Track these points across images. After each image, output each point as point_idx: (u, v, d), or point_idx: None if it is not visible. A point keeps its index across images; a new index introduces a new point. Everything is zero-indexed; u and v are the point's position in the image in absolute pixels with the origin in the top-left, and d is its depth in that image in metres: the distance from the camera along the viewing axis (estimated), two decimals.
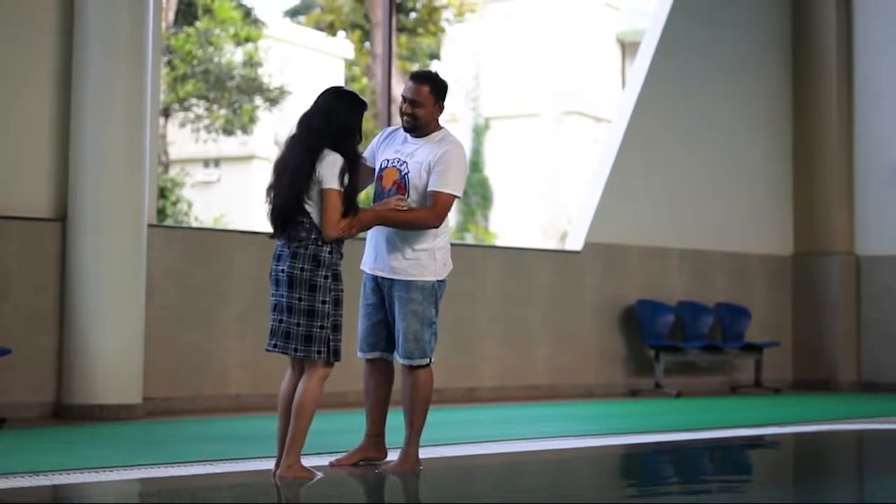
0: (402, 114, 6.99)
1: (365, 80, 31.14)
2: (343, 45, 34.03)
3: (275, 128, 34.47)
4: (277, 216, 6.55)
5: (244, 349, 11.91)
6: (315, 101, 6.76)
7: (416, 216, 6.87)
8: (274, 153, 35.91)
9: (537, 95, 37.13)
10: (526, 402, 13.18)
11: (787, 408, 13.17)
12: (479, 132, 36.58)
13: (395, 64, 29.38)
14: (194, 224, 25.88)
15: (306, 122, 6.70)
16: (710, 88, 16.26)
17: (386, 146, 7.13)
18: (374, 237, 7.09)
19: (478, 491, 6.93)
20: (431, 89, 6.97)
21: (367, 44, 31.25)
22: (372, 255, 7.09)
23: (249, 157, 35.31)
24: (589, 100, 37.04)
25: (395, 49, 26.36)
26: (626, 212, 15.30)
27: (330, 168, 6.45)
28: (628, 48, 35.93)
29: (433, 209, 6.88)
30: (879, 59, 16.54)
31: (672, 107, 15.80)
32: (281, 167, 6.62)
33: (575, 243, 15.03)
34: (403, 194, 6.91)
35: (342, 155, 6.52)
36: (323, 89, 6.83)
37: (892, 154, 16.31)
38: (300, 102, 32.49)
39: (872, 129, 16.47)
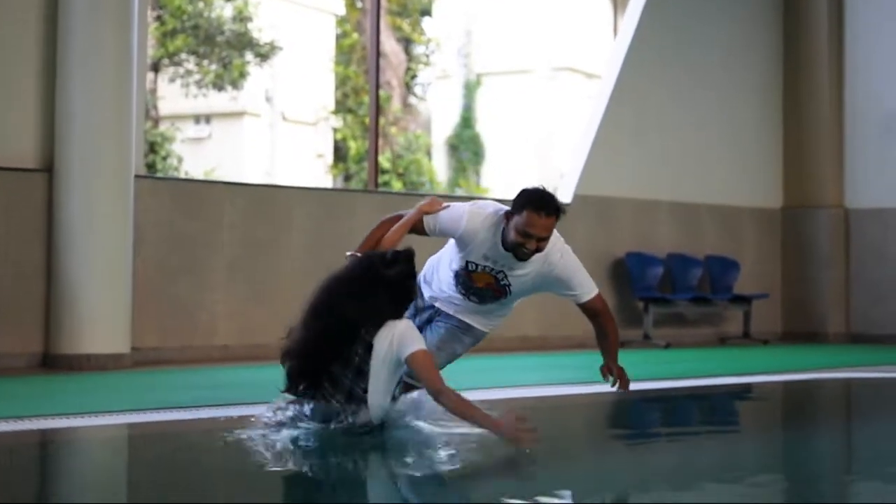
0: (520, 246, 6.06)
1: (355, 36, 31.02)
2: (334, 1, 33.89)
3: (265, 83, 34.36)
4: None
5: (232, 300, 11.91)
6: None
7: (615, 331, 6.53)
8: (265, 109, 35.85)
9: (529, 51, 37.02)
10: (516, 352, 13.20)
11: (776, 358, 13.19)
12: (470, 88, 36.48)
13: (385, 19, 29.26)
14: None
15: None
16: (700, 41, 16.21)
17: (478, 246, 6.24)
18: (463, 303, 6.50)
19: None
20: (557, 220, 6.12)
21: None
22: (451, 307, 6.55)
23: (240, 113, 35.19)
24: (581, 56, 36.94)
25: (385, 4, 26.24)
26: (616, 165, 15.28)
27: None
28: (620, 3, 35.81)
29: (607, 314, 6.51)
30: (870, 13, 16.48)
31: (662, 60, 15.75)
32: None
33: (564, 196, 15.01)
34: (501, 296, 6.34)
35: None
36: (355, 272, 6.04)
37: (883, 107, 16.29)
38: (290, 58, 32.44)
39: (863, 82, 16.44)
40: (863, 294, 16.27)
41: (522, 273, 6.22)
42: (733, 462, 6.05)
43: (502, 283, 6.27)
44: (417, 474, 5.26)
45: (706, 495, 5.05)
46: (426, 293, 6.62)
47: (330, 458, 5.48)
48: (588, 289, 6.38)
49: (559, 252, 6.26)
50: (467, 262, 6.28)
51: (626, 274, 14.91)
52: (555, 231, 6.18)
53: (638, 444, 6.24)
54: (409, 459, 5.53)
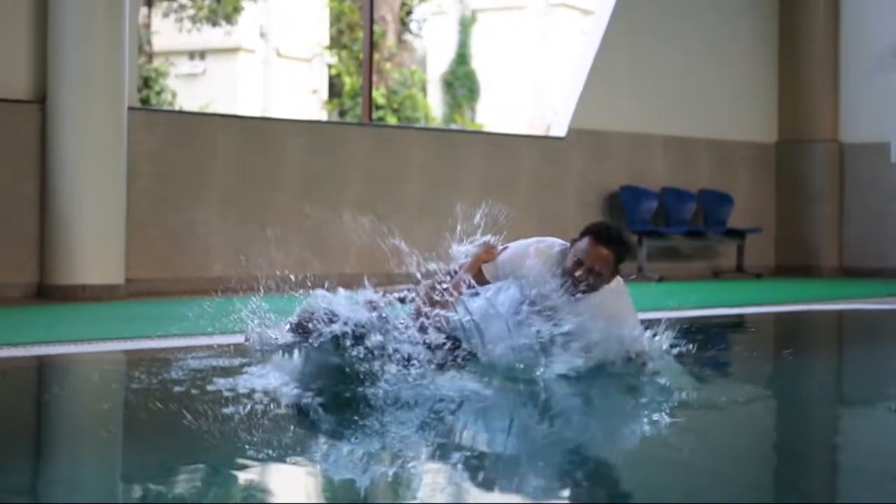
0: (572, 275, 5.81)
1: None
2: None
3: (260, 19, 34.21)
4: None
5: (226, 231, 11.93)
6: None
7: None
8: (259, 45, 35.63)
9: None
10: None
11: (769, 291, 13.23)
12: (465, 24, 36.32)
13: None
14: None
15: None
16: None
17: (535, 284, 5.89)
18: None
19: None
20: (616, 260, 5.86)
21: None
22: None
23: (235, 50, 35.09)
24: None
25: None
26: (611, 99, 15.26)
27: None
28: None
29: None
30: None
31: None
32: None
33: (559, 129, 15.00)
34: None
35: None
36: None
37: (878, 42, 16.24)
38: None
39: (859, 16, 16.38)
40: (856, 228, 16.30)
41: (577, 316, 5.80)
42: (725, 390, 6.09)
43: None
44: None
45: (694, 423, 5.10)
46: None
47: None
48: (636, 324, 5.95)
49: (615, 297, 5.92)
50: (520, 303, 5.89)
51: (620, 207, 14.93)
52: (619, 280, 5.95)
53: (628, 375, 6.26)
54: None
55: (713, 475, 4.01)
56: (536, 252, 5.96)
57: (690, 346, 5.92)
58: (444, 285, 5.97)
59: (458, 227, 6.26)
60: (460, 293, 5.90)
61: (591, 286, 5.79)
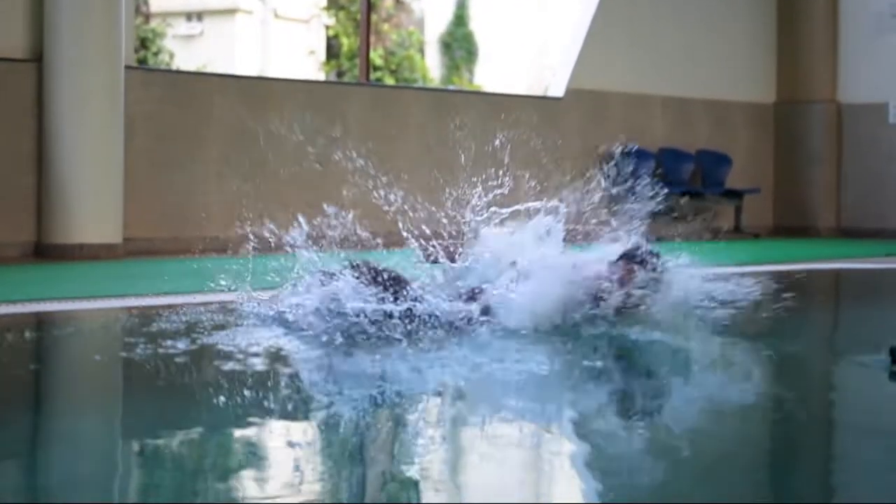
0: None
1: None
2: None
3: None
4: None
5: (224, 191, 11.92)
6: None
7: None
8: (257, 6, 35.47)
9: None
10: None
11: (766, 250, 13.25)
12: None
13: None
14: None
15: None
16: None
17: None
18: None
19: None
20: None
21: None
22: None
23: (232, 11, 34.97)
24: None
25: None
26: (608, 59, 15.23)
27: None
28: None
29: None
30: None
31: None
32: None
33: (556, 90, 14.98)
34: None
35: None
36: None
37: (877, 2, 16.20)
38: None
39: None
40: (854, 189, 16.30)
41: None
42: (720, 346, 6.12)
43: None
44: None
45: (692, 379, 5.12)
46: None
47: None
48: None
49: None
50: None
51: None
52: None
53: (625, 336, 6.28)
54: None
55: (709, 434, 4.03)
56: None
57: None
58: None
59: (473, 201, 6.26)
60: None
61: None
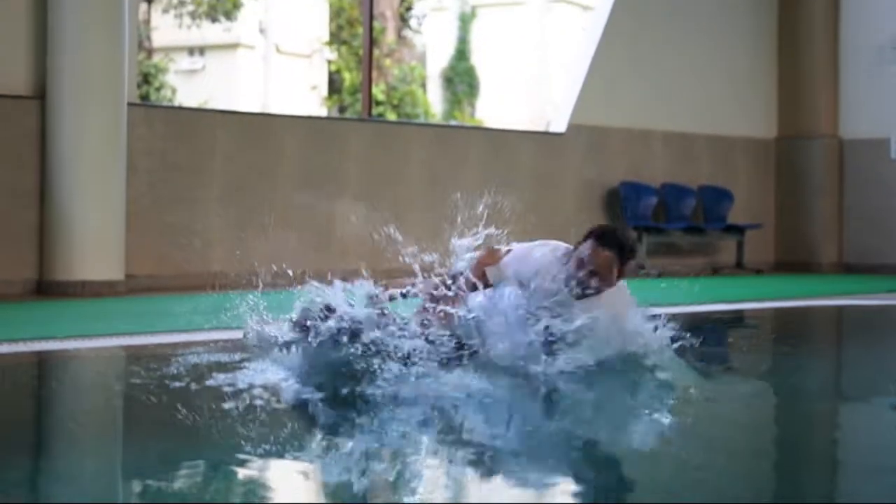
0: (577, 278, 5.75)
1: None
2: None
3: (259, 15, 34.16)
4: None
5: (226, 227, 11.93)
6: None
7: None
8: (259, 41, 35.58)
9: None
10: None
11: (769, 287, 13.24)
12: (465, 20, 36.29)
13: None
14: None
15: None
16: None
17: (537, 289, 5.86)
18: None
19: None
20: (620, 263, 5.81)
21: None
22: None
23: (234, 46, 35.08)
24: None
25: None
26: (611, 94, 15.25)
27: None
28: None
29: None
30: None
31: None
32: None
33: (559, 125, 15.00)
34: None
35: None
36: None
37: (878, 37, 16.23)
38: None
39: (859, 11, 16.37)
40: (856, 224, 16.29)
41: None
42: (726, 385, 6.10)
43: None
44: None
45: (695, 419, 5.10)
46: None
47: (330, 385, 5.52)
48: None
49: (617, 305, 5.86)
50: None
51: (620, 203, 14.92)
52: (623, 287, 5.90)
53: (629, 370, 6.27)
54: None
55: (711, 470, 4.01)
56: (541, 255, 5.93)
57: (692, 339, 5.92)
58: (448, 283, 5.94)
59: (459, 219, 6.24)
60: (463, 291, 5.88)
61: (595, 289, 5.75)
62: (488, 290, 5.94)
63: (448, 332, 5.62)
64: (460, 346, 5.62)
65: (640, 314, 5.93)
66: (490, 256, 6.04)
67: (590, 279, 5.72)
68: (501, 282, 5.96)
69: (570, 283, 5.74)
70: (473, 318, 5.73)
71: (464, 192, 7.10)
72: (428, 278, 5.99)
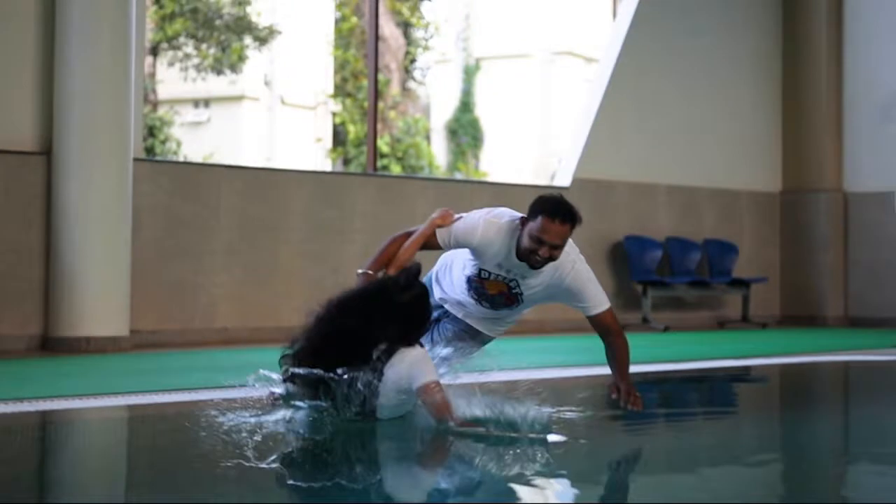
0: (533, 253, 5.97)
1: (354, 19, 30.98)
2: None
3: (264, 67, 34.31)
4: None
5: (231, 283, 11.94)
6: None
7: (625, 349, 6.25)
8: (264, 93, 35.74)
9: (528, 36, 37.02)
10: (513, 336, 13.19)
11: (774, 341, 13.21)
12: (469, 73, 36.47)
13: (384, 3, 29.23)
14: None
15: None
16: (698, 25, 16.19)
17: (493, 256, 6.16)
18: (474, 310, 6.48)
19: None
20: (572, 229, 6.05)
21: None
22: (460, 311, 6.54)
23: (239, 98, 35.22)
24: (580, 40, 36.94)
25: None
26: (615, 148, 15.29)
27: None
28: None
29: (617, 331, 6.26)
30: None
31: (660, 44, 15.74)
32: None
33: (563, 179, 15.03)
34: (513, 304, 6.31)
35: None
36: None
37: (881, 91, 16.28)
38: (289, 42, 32.39)
39: (862, 66, 16.43)
40: (861, 278, 16.28)
41: (535, 283, 6.17)
42: (731, 444, 6.07)
43: (514, 291, 6.23)
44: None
45: (704, 478, 5.07)
46: (436, 293, 6.56)
47: (325, 440, 5.50)
48: (598, 302, 6.23)
49: (571, 263, 6.16)
50: (480, 270, 6.23)
51: (625, 257, 14.93)
52: (570, 242, 6.11)
53: (636, 426, 6.25)
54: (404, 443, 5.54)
55: None
56: (486, 224, 6.12)
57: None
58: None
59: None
60: (406, 260, 6.08)
61: (553, 259, 6.02)
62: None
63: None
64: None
65: (598, 287, 6.25)
66: (443, 219, 6.25)
67: (549, 253, 5.96)
68: (449, 247, 6.23)
69: (529, 258, 6.00)
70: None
71: None
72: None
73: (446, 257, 6.63)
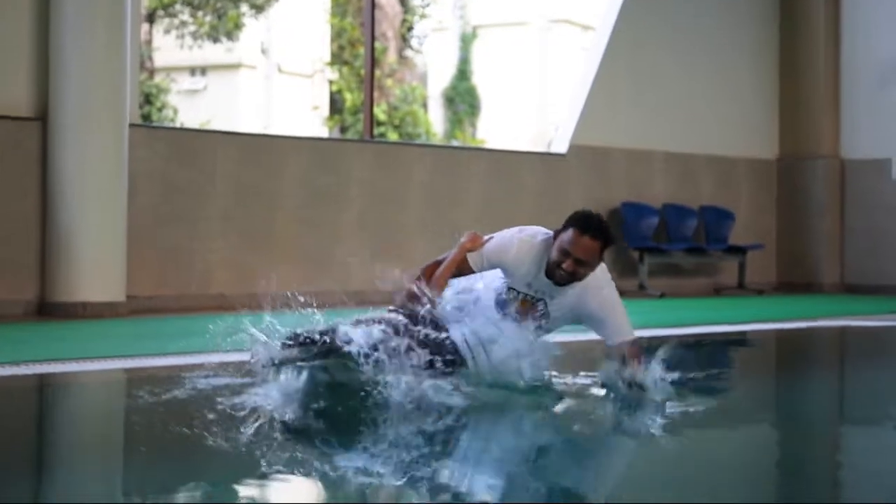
0: (558, 266, 5.82)
1: None
2: None
3: (261, 35, 34.22)
4: None
5: (227, 248, 11.93)
6: None
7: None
8: (260, 61, 35.63)
9: (525, 3, 36.91)
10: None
11: (771, 307, 13.23)
12: (466, 41, 36.37)
13: None
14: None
15: None
16: None
17: (524, 275, 6.00)
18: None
19: None
20: (602, 249, 5.84)
21: None
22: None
23: (236, 66, 35.14)
24: (576, 8, 36.84)
25: None
26: (612, 115, 15.27)
27: None
28: None
29: (638, 358, 5.98)
30: None
31: (657, 11, 15.70)
32: None
33: (560, 146, 15.01)
34: (539, 324, 6.05)
35: None
36: None
37: (879, 58, 16.25)
38: (286, 9, 32.28)
39: (860, 32, 16.39)
40: (858, 245, 16.29)
41: (562, 303, 5.99)
42: (728, 408, 6.08)
43: (541, 311, 6.03)
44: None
45: (699, 443, 5.09)
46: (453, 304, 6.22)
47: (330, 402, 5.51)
48: (621, 332, 5.99)
49: (598, 287, 5.96)
50: (509, 288, 6.07)
51: (622, 224, 14.92)
52: (602, 267, 5.96)
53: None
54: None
55: (710, 493, 4.00)
56: (520, 242, 5.99)
57: (685, 374, 5.95)
58: (423, 282, 5.97)
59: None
60: (441, 288, 5.94)
61: (577, 276, 5.82)
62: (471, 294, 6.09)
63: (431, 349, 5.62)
64: (431, 363, 5.61)
65: (623, 311, 6.02)
66: (472, 243, 6.10)
67: (574, 267, 5.78)
68: (482, 269, 6.05)
69: (554, 272, 5.83)
70: (471, 337, 5.75)
71: (466, 214, 7.11)
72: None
73: (467, 280, 6.33)
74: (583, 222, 5.81)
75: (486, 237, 6.12)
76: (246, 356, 5.94)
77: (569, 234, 5.80)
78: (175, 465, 4.37)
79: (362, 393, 5.30)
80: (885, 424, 5.48)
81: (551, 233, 5.98)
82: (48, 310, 10.56)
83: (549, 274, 5.89)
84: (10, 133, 10.69)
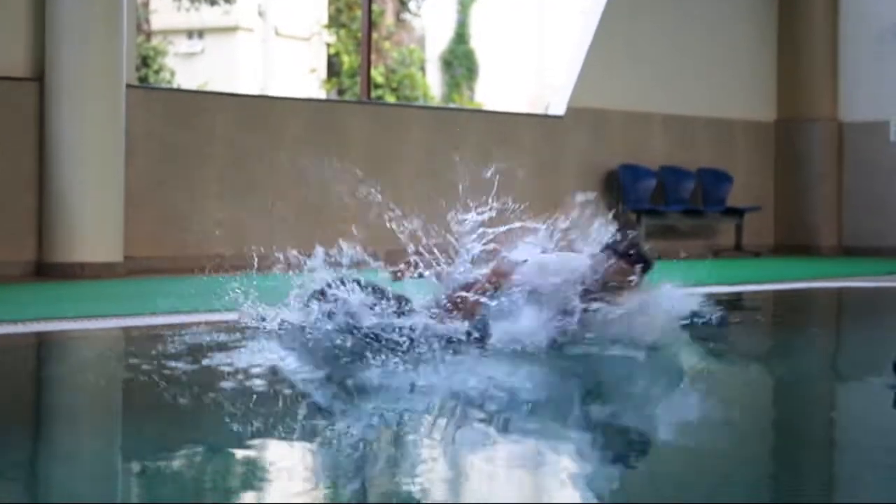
0: (603, 295, 5.92)
1: None
2: None
3: None
4: None
5: (224, 209, 11.92)
6: None
7: None
8: (258, 24, 35.46)
9: None
10: None
11: (768, 269, 13.23)
12: (464, 3, 36.20)
13: None
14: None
15: None
16: None
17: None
18: None
19: None
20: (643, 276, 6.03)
21: None
22: None
23: (233, 28, 35.00)
24: None
25: None
26: (610, 77, 15.23)
27: None
28: None
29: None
30: None
31: None
32: None
33: (558, 108, 14.99)
34: None
35: None
36: None
37: (878, 20, 16.21)
38: None
39: None
40: (855, 207, 16.29)
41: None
42: (729, 366, 6.11)
43: None
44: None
45: (697, 399, 5.11)
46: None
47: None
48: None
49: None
50: None
51: (619, 186, 14.92)
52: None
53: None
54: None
55: (712, 453, 4.02)
56: (556, 270, 5.96)
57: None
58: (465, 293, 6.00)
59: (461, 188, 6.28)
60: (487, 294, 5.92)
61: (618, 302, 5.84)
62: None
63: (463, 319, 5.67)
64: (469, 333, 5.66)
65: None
66: (497, 275, 6.07)
67: (614, 294, 5.82)
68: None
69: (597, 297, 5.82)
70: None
71: (464, 165, 7.09)
72: (446, 265, 6.03)
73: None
74: (625, 252, 5.99)
75: (507, 259, 6.08)
76: (244, 316, 5.97)
77: (612, 263, 5.93)
78: (170, 422, 4.39)
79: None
80: (879, 382, 5.50)
81: (586, 258, 6.02)
82: (46, 270, 10.57)
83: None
84: (7, 93, 10.67)
